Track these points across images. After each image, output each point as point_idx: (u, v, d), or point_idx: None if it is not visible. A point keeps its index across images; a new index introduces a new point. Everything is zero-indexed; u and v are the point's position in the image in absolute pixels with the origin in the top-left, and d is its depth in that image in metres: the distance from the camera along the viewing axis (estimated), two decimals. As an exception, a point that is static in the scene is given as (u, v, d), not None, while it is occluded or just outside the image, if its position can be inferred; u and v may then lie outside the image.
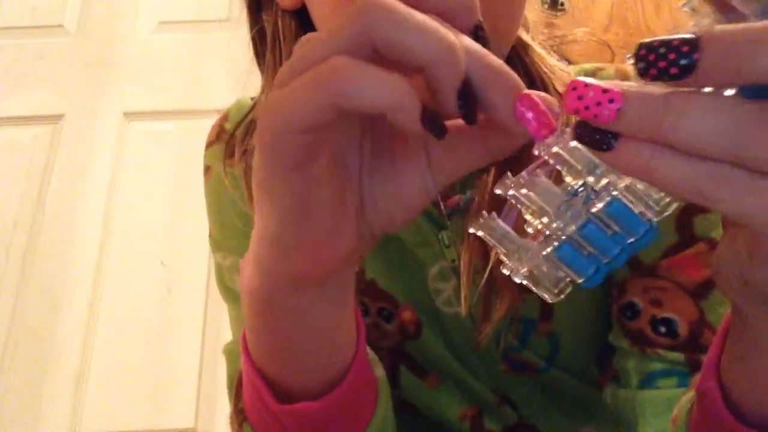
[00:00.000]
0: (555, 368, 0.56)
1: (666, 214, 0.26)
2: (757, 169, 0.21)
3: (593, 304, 0.55)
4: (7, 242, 1.48)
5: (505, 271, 0.29)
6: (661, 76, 0.22)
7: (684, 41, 0.21)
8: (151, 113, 1.62)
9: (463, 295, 0.51)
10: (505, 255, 0.29)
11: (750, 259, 0.26)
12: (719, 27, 0.21)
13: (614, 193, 0.26)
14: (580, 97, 0.23)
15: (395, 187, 0.30)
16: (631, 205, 0.26)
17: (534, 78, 0.53)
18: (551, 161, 0.26)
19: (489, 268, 0.50)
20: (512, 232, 0.29)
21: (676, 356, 0.48)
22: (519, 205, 0.28)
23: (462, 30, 0.27)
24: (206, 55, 1.64)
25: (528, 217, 0.28)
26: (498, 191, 0.28)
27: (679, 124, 0.21)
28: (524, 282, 0.28)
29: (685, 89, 0.22)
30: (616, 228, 0.26)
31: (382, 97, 0.24)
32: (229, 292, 0.59)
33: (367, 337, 0.41)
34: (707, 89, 0.22)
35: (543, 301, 0.54)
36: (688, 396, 0.40)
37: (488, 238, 0.29)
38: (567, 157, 0.26)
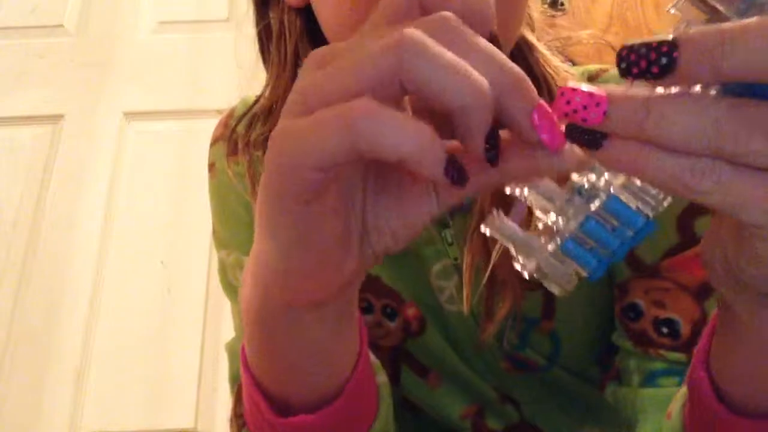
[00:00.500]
0: (556, 367, 0.56)
1: (661, 209, 0.27)
2: (737, 162, 0.22)
3: (594, 304, 0.55)
4: (7, 242, 1.48)
5: (516, 266, 0.29)
6: (643, 75, 0.23)
7: (663, 42, 0.22)
8: (151, 113, 1.62)
9: (465, 294, 0.51)
10: (515, 251, 0.29)
11: (735, 249, 0.26)
12: (697, 28, 0.23)
13: (611, 190, 0.27)
14: (568, 102, 0.24)
15: (400, 209, 0.30)
16: (627, 202, 0.27)
17: (538, 78, 0.53)
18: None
19: (490, 267, 0.50)
20: (519, 230, 0.30)
21: (678, 356, 0.48)
22: (527, 203, 0.29)
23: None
24: (206, 55, 1.64)
25: (538, 213, 0.29)
26: (507, 190, 0.29)
27: (660, 123, 0.23)
28: (534, 275, 0.29)
29: (671, 89, 0.23)
30: (615, 223, 0.28)
31: (407, 147, 0.24)
32: (232, 290, 0.59)
33: (370, 335, 0.41)
34: (696, 89, 0.23)
35: (545, 300, 0.54)
36: (682, 391, 0.41)
37: (497, 235, 0.30)
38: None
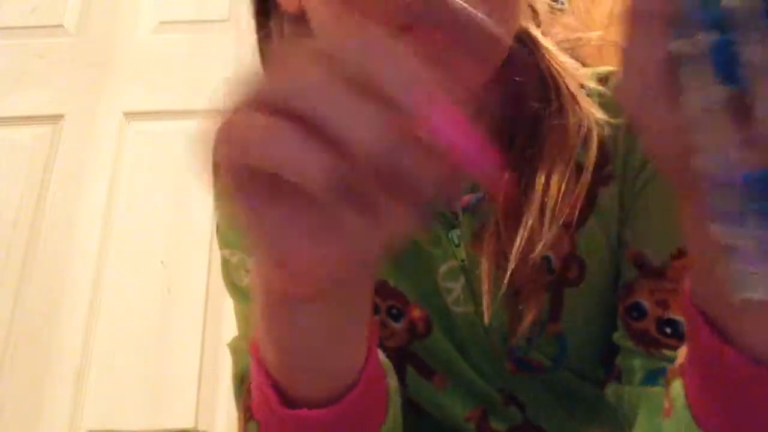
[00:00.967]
0: (562, 369, 0.56)
1: None
2: None
3: (601, 306, 0.55)
4: (7, 242, 1.48)
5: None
6: None
7: None
8: (151, 113, 1.62)
9: (485, 304, 0.51)
10: None
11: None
12: None
13: None
14: None
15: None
16: None
17: (544, 75, 0.53)
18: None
19: (509, 274, 0.50)
20: None
21: None
22: None
23: None
24: (206, 55, 1.64)
25: None
26: None
27: None
28: None
29: None
30: None
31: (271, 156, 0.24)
32: (236, 289, 0.59)
33: None
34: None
35: (551, 302, 0.54)
36: (677, 384, 0.39)
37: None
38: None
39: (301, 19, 0.52)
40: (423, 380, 0.58)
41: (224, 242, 0.61)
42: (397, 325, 0.57)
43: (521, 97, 0.53)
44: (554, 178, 0.50)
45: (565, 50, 0.56)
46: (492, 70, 0.48)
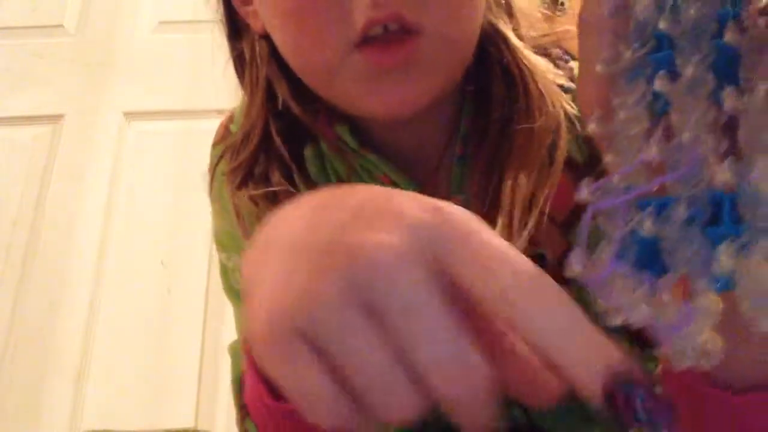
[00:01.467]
0: None
1: None
2: None
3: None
4: (7, 242, 1.48)
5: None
6: None
7: None
8: (151, 113, 1.62)
9: None
10: None
11: None
12: None
13: None
14: None
15: None
16: None
17: (512, 75, 0.52)
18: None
19: None
20: None
21: None
22: None
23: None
24: (206, 55, 1.64)
25: None
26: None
27: None
28: None
29: None
30: None
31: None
32: (234, 292, 0.59)
33: None
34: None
35: None
36: None
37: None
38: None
39: (269, 37, 0.53)
40: None
41: (220, 246, 0.61)
42: None
43: (489, 99, 0.52)
44: (522, 180, 0.49)
45: (552, 42, 0.56)
46: (448, 82, 0.48)
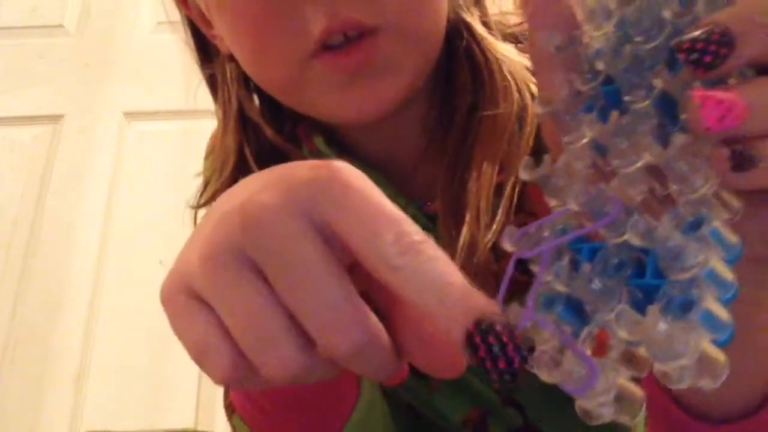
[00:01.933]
0: None
1: None
2: None
3: None
4: (7, 242, 1.48)
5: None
6: (714, 61, 0.22)
7: (713, 27, 0.22)
8: (151, 113, 1.62)
9: None
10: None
11: None
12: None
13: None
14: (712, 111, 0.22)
15: None
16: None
17: (477, 61, 0.51)
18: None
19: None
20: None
21: None
22: None
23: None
24: (206, 55, 1.64)
25: None
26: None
27: None
28: None
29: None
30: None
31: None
32: None
33: None
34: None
35: None
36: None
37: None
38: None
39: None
40: (419, 381, 0.58)
41: None
42: None
43: (455, 88, 0.52)
44: (487, 170, 0.48)
45: (526, 32, 0.55)
46: (416, 77, 0.48)
